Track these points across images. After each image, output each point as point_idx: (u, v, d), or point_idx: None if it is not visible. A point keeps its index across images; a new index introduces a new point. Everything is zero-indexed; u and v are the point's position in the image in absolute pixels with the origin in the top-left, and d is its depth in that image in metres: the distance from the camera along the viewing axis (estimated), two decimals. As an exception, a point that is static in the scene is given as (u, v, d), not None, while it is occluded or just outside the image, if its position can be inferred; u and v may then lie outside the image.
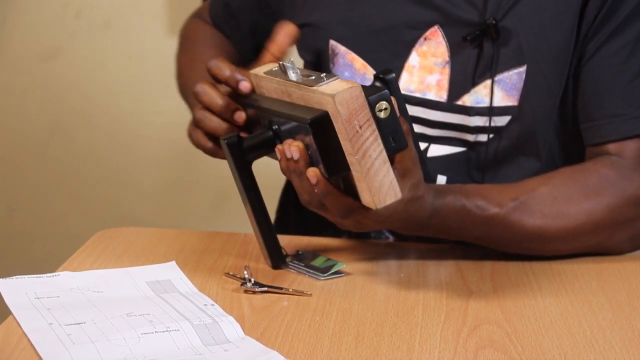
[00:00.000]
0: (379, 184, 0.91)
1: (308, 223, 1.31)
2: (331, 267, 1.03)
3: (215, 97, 1.05)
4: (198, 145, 1.09)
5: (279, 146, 0.96)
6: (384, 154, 0.90)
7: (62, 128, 2.37)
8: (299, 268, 1.04)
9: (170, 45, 2.30)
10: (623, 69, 1.15)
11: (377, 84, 0.99)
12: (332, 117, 0.90)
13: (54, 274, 0.99)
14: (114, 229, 1.18)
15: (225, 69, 1.05)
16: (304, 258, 1.06)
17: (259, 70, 1.06)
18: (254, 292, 0.98)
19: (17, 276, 0.97)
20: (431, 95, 1.17)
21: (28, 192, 2.42)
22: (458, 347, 0.86)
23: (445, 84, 1.17)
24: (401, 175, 0.95)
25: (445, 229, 1.07)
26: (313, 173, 0.93)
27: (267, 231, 1.05)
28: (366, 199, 0.92)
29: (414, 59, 1.17)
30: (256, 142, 1.02)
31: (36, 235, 2.44)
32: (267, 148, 1.02)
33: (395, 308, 0.95)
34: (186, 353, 0.82)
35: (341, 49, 1.20)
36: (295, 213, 1.35)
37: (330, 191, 0.94)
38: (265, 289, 0.98)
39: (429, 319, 0.92)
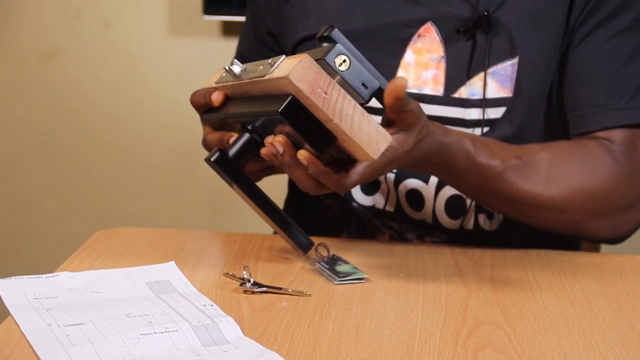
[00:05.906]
0: (367, 136, 0.90)
1: (310, 223, 1.31)
2: (350, 274, 1.03)
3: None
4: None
5: (262, 150, 0.96)
6: (359, 107, 0.90)
7: (62, 128, 2.37)
8: (322, 270, 1.04)
9: (170, 45, 2.32)
10: (608, 60, 1.15)
11: (325, 44, 0.99)
12: (297, 97, 0.90)
13: (53, 274, 0.99)
14: (114, 229, 1.18)
15: (196, 95, 1.08)
16: (334, 262, 1.06)
17: (211, 82, 1.08)
18: (253, 293, 0.98)
19: (16, 276, 0.97)
20: (427, 90, 1.18)
21: (28, 192, 2.42)
22: (457, 347, 0.86)
23: (442, 78, 1.17)
24: (405, 127, 0.96)
25: (448, 169, 1.07)
26: (302, 156, 0.93)
27: (286, 224, 1.05)
28: (361, 155, 0.92)
29: (409, 56, 1.18)
30: (239, 148, 1.02)
31: (36, 235, 2.44)
32: (251, 150, 1.02)
33: (395, 308, 0.95)
34: (185, 354, 0.82)
35: None
36: (297, 213, 1.35)
37: (321, 170, 0.93)
38: (265, 289, 0.98)
39: (429, 320, 0.92)
